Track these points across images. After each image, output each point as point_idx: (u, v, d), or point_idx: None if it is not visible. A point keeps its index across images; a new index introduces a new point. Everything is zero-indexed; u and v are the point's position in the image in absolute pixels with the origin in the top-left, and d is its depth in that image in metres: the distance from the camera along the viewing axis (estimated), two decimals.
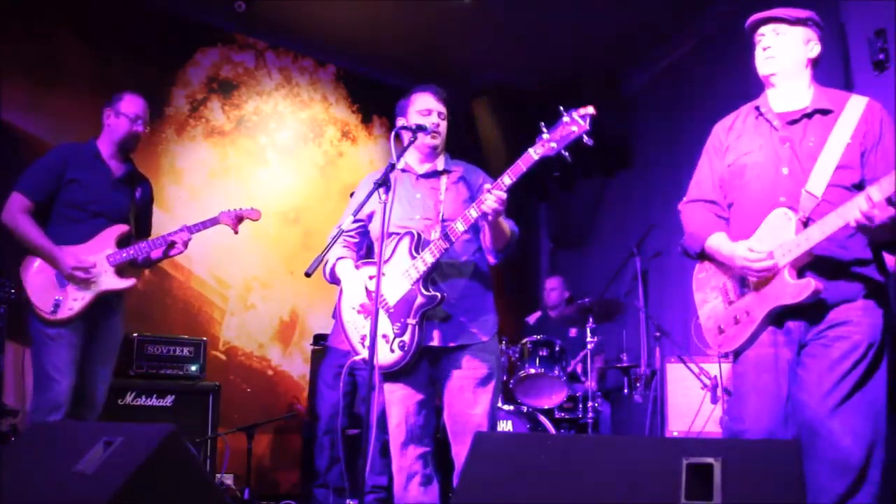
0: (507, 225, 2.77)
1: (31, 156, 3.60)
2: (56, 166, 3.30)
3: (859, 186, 2.23)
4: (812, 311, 2.25)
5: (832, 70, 3.63)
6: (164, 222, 4.21)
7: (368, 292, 2.79)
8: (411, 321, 2.67)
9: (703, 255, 2.52)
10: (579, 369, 4.84)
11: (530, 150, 2.49)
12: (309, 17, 5.51)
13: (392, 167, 2.57)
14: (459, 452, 2.70)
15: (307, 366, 5.37)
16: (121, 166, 3.46)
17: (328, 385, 4.37)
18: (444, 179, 2.89)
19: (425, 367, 2.78)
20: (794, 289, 2.21)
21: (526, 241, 4.22)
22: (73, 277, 3.20)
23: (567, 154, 2.45)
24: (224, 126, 5.58)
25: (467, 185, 2.89)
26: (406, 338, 2.68)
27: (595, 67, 5.80)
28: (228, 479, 4.55)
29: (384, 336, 2.72)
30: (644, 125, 5.98)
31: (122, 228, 3.37)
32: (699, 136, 2.66)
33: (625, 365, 4.89)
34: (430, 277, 2.71)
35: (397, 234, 2.77)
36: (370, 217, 2.91)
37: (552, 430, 4.36)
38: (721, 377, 3.82)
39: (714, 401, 4.03)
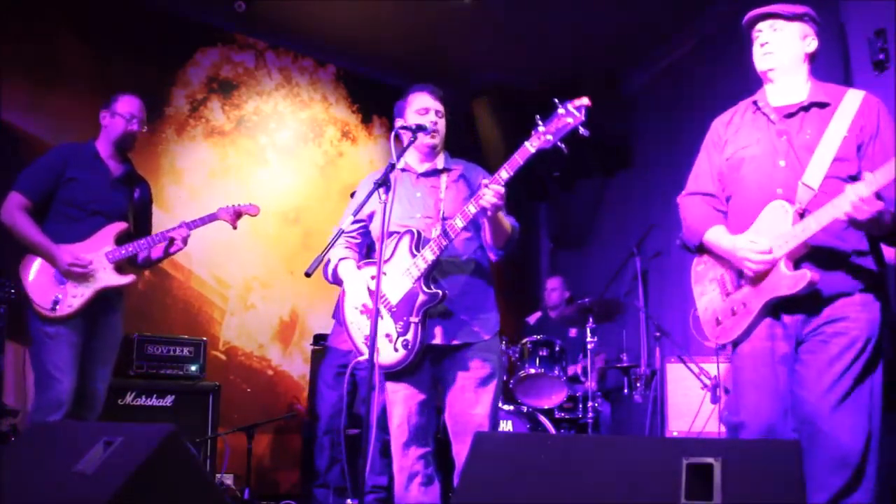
0: (507, 221, 2.76)
1: (31, 156, 3.60)
2: (55, 166, 3.31)
3: (856, 178, 2.23)
4: (808, 302, 2.25)
5: (832, 70, 3.63)
6: (164, 222, 4.19)
7: (371, 292, 2.78)
8: (414, 319, 2.67)
9: (702, 249, 2.53)
10: (579, 370, 4.85)
11: (526, 143, 2.50)
12: (309, 17, 5.51)
13: (392, 167, 2.57)
14: (460, 452, 2.70)
15: (307, 366, 5.37)
16: (119, 166, 3.46)
17: (328, 385, 4.36)
18: (444, 178, 2.88)
19: (427, 368, 2.78)
20: (791, 280, 2.22)
21: (526, 241, 4.22)
22: (71, 273, 3.20)
23: (564, 146, 2.46)
24: (224, 126, 5.58)
25: (467, 182, 2.89)
26: (409, 336, 2.67)
27: (595, 67, 5.79)
28: (228, 479, 4.55)
29: (387, 335, 2.71)
30: (644, 125, 5.98)
31: (120, 226, 3.37)
32: (699, 136, 2.66)
33: (625, 365, 4.90)
34: (431, 275, 2.70)
35: (398, 233, 2.77)
36: (371, 217, 2.90)
37: (552, 430, 4.36)
38: (721, 377, 3.82)
39: (714, 401, 4.02)
